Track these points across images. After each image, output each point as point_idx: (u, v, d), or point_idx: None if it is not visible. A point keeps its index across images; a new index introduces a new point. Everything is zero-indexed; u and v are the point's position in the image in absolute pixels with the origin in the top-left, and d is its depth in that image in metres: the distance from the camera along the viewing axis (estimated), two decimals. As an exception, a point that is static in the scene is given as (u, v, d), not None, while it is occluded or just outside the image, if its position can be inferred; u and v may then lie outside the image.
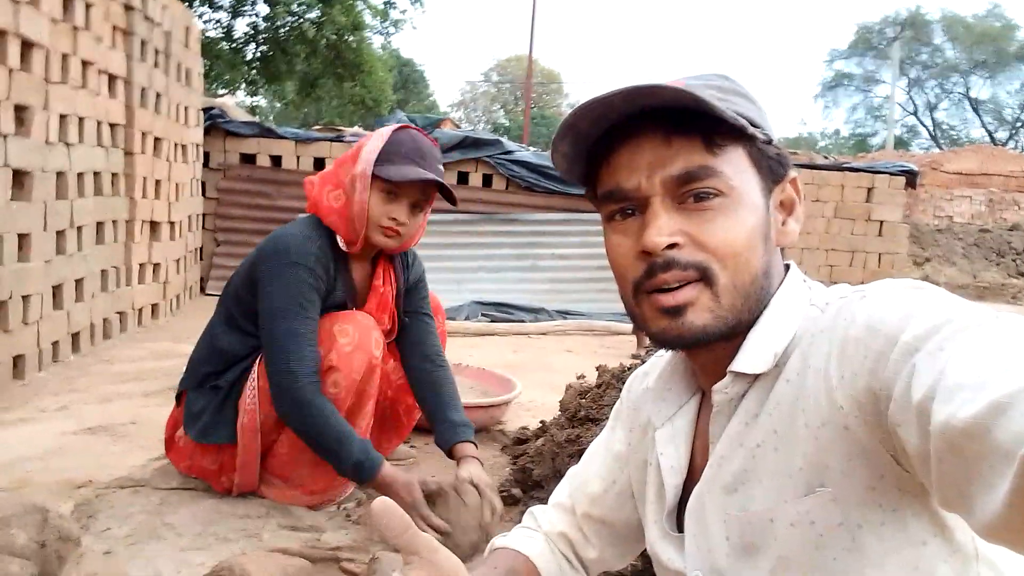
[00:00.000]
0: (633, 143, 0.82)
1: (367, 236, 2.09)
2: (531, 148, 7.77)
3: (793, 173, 0.89)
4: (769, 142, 0.85)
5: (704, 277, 0.81)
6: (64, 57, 3.71)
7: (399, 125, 2.16)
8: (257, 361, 2.09)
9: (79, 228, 3.96)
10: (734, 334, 0.83)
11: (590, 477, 1.11)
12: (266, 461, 2.13)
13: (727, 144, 0.81)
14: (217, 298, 2.28)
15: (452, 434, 2.15)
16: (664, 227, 0.80)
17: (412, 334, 2.33)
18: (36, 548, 1.40)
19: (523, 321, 6.00)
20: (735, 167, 0.82)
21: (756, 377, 0.83)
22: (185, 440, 2.15)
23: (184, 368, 2.24)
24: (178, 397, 2.21)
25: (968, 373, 0.57)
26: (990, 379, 0.54)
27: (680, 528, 0.92)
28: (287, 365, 1.95)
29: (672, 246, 0.80)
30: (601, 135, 0.84)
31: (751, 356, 0.82)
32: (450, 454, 2.16)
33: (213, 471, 2.13)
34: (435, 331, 2.38)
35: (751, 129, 0.80)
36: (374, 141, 2.10)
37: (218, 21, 14.80)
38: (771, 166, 0.85)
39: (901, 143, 34.73)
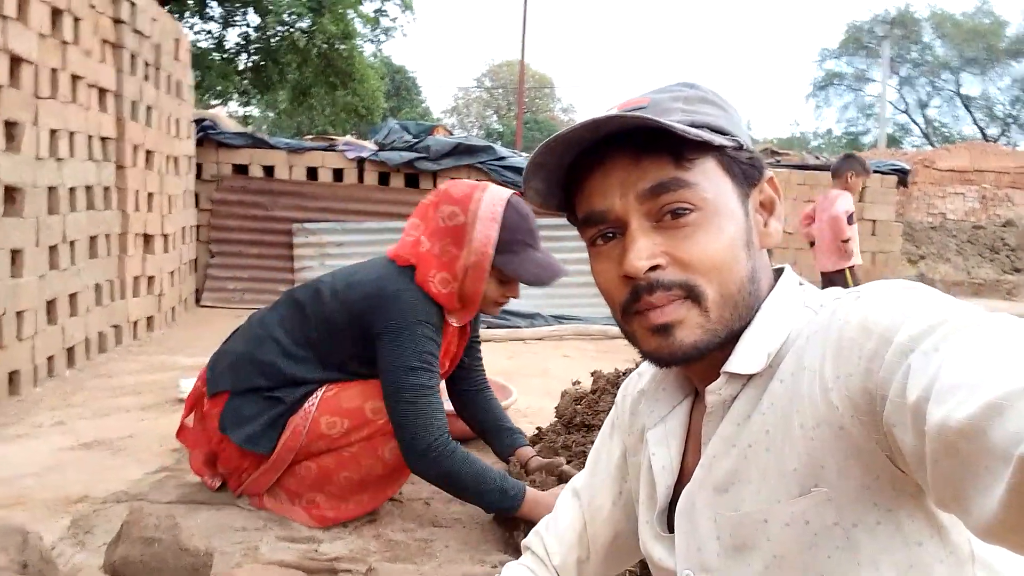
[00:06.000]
0: (603, 167, 0.83)
1: (473, 311, 2.16)
2: (524, 153, 7.77)
3: (769, 173, 0.89)
4: (740, 147, 0.84)
5: (690, 295, 0.81)
6: (53, 72, 3.71)
7: (503, 201, 2.08)
8: (321, 390, 2.07)
9: (72, 242, 3.95)
10: (726, 343, 0.83)
11: (598, 494, 1.10)
12: (283, 476, 2.12)
13: (696, 157, 0.81)
14: (262, 312, 2.25)
15: (512, 440, 2.41)
16: (643, 250, 0.80)
17: (466, 361, 2.44)
18: (18, 569, 1.39)
19: (519, 327, 6.00)
20: (708, 178, 0.82)
21: (749, 378, 0.83)
22: (198, 424, 2.19)
23: (216, 362, 2.19)
24: (214, 393, 2.13)
25: (963, 373, 0.56)
26: (985, 379, 0.54)
27: (671, 528, 0.92)
28: (417, 426, 1.97)
29: (654, 268, 0.81)
30: (571, 163, 0.85)
31: (745, 357, 0.82)
32: (509, 459, 2.39)
33: (244, 468, 2.13)
34: (481, 356, 2.51)
35: (717, 141, 0.81)
36: (484, 226, 2.04)
37: (209, 32, 14.82)
38: (744, 171, 0.86)
39: (893, 141, 34.83)
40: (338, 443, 2.06)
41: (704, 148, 0.81)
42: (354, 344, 2.07)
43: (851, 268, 5.21)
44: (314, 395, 2.07)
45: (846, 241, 5.11)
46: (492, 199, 2.07)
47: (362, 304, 2.05)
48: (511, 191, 2.13)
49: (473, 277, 2.06)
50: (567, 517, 1.12)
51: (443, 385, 2.45)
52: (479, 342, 2.51)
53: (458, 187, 2.12)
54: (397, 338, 2.00)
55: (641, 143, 0.81)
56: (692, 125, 0.79)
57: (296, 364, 2.09)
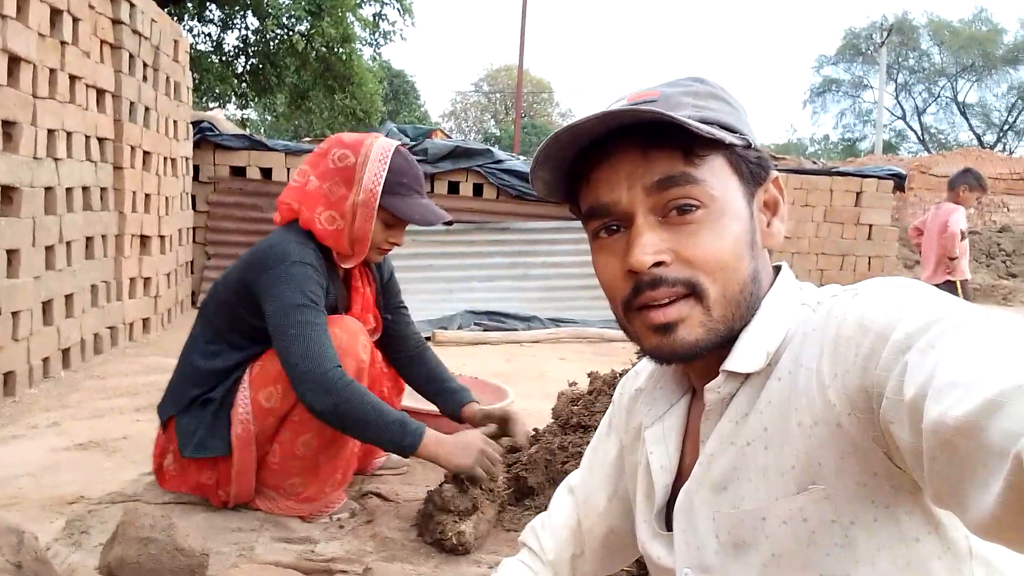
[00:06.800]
0: (611, 159, 0.83)
1: (362, 254, 2.15)
2: (521, 157, 7.77)
3: (775, 173, 0.89)
4: (749, 146, 0.84)
5: (693, 292, 0.80)
6: (52, 72, 3.70)
7: (392, 147, 2.16)
8: (248, 372, 2.08)
9: (68, 243, 3.94)
10: (726, 342, 0.83)
11: (594, 490, 1.10)
12: (260, 473, 2.12)
13: (706, 154, 0.81)
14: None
15: (458, 398, 2.39)
16: (649, 245, 0.80)
17: (396, 328, 2.44)
18: (13, 570, 1.39)
19: (516, 329, 5.99)
20: (716, 175, 0.82)
21: (748, 376, 0.83)
22: (176, 464, 2.14)
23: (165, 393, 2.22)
24: (164, 424, 2.17)
25: (960, 371, 0.56)
26: (982, 377, 0.54)
27: (669, 527, 0.91)
28: (307, 354, 1.93)
29: (658, 264, 0.80)
30: (578, 155, 0.84)
31: (743, 355, 0.82)
32: (461, 417, 2.38)
33: (211, 485, 2.12)
34: (412, 321, 2.51)
35: (729, 139, 0.80)
36: (374, 167, 2.10)
37: (208, 34, 14.83)
38: (752, 170, 0.85)
39: (889, 147, 34.95)
40: (282, 410, 2.06)
41: (714, 145, 0.80)
42: (248, 310, 2.07)
43: (962, 283, 5.25)
44: (243, 379, 2.08)
45: (954, 259, 5.15)
46: (382, 144, 2.16)
47: (244, 270, 2.11)
48: (398, 142, 2.21)
49: (362, 216, 2.10)
50: (562, 513, 1.13)
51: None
52: (404, 307, 2.50)
53: (349, 135, 2.21)
54: (276, 282, 2.00)
55: (650, 137, 0.80)
56: (702, 121, 0.79)
57: (214, 358, 2.12)
